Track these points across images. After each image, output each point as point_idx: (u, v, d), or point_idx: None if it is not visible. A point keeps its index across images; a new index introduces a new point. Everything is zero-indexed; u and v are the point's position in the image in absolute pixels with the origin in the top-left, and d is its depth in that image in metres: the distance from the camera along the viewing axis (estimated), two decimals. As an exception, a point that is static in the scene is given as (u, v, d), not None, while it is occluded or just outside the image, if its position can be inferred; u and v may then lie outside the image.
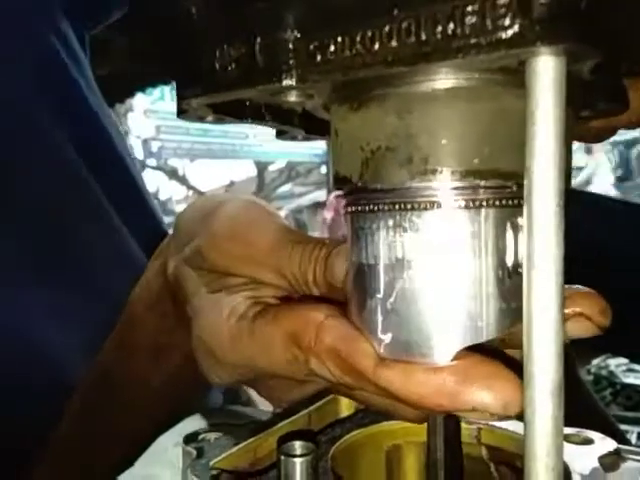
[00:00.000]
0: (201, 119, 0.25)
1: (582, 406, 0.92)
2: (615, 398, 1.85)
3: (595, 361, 1.96)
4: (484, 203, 0.21)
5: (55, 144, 0.53)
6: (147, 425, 0.32)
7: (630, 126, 0.29)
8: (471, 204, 0.21)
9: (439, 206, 0.21)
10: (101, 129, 0.57)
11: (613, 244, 0.87)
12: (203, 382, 0.30)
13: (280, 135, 0.30)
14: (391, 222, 0.22)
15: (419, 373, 0.21)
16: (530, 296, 0.18)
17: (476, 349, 0.22)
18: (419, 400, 0.21)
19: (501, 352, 0.23)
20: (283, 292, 0.29)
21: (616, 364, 1.94)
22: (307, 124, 0.28)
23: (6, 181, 0.48)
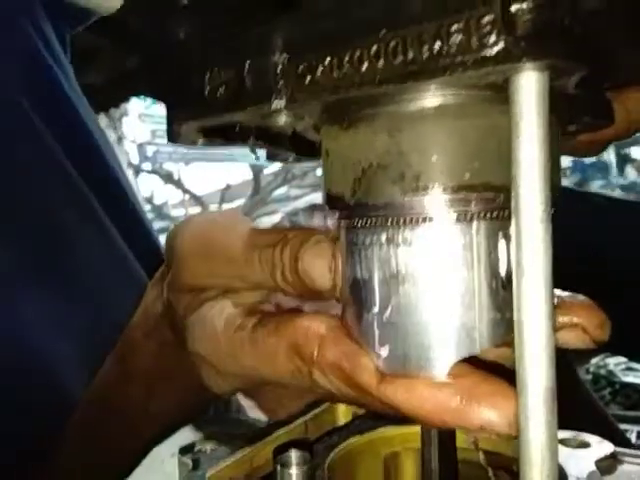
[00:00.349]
0: (192, 143, 0.26)
1: (581, 405, 0.92)
2: (614, 397, 1.86)
3: (594, 360, 1.96)
4: (475, 216, 0.22)
5: (49, 145, 0.52)
6: (144, 445, 0.32)
7: (617, 139, 0.30)
8: (463, 217, 0.22)
9: (431, 220, 0.22)
10: (87, 133, 0.57)
11: (609, 242, 0.87)
12: (201, 408, 0.30)
13: (271, 157, 0.30)
14: (384, 237, 0.23)
15: (423, 389, 0.22)
16: (520, 303, 0.18)
17: (471, 361, 0.22)
18: (424, 416, 0.22)
19: (493, 363, 0.23)
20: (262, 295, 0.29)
21: (615, 363, 1.94)
22: (297, 146, 0.29)
23: (7, 181, 0.48)
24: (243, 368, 0.27)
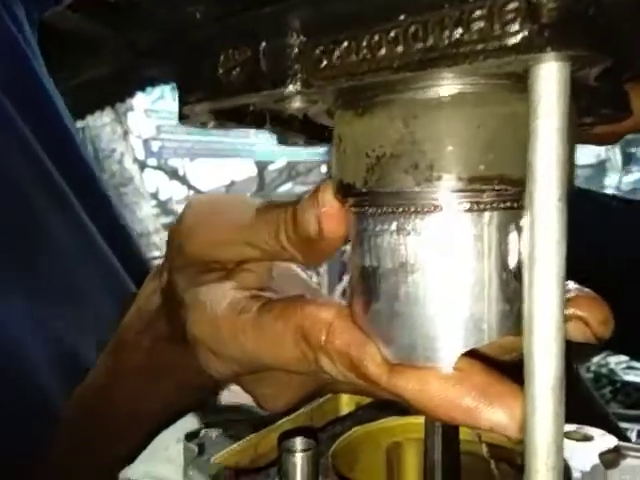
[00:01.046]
0: (203, 125, 0.25)
1: (581, 403, 0.92)
2: (615, 396, 1.86)
3: (595, 359, 1.96)
4: (487, 206, 0.22)
5: (27, 139, 0.51)
6: (129, 450, 0.31)
7: (636, 130, 0.29)
8: (475, 207, 0.22)
9: (442, 210, 0.22)
10: (64, 127, 0.56)
11: (612, 241, 0.87)
12: (188, 410, 0.30)
13: (282, 141, 0.30)
14: (394, 225, 0.22)
15: (435, 383, 0.21)
16: (531, 291, 0.18)
17: (473, 356, 0.22)
18: (432, 410, 0.21)
19: (495, 359, 0.23)
20: (266, 276, 0.30)
21: (616, 362, 1.94)
22: (308, 130, 0.28)
23: None
24: (245, 352, 0.27)
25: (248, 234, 0.27)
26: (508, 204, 0.22)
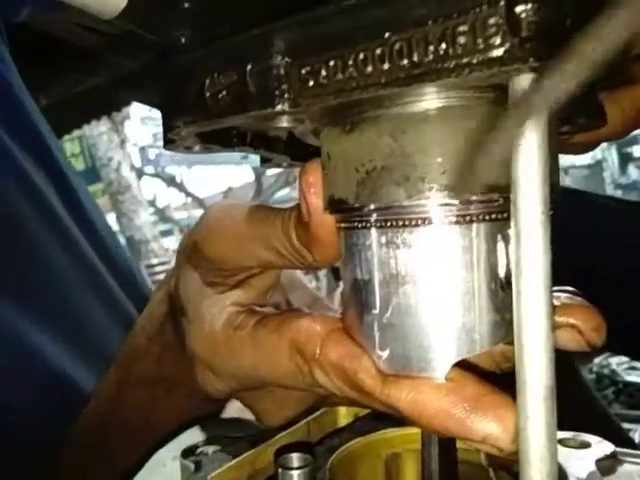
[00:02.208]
0: (188, 149, 0.26)
1: (583, 405, 0.92)
2: (617, 397, 1.85)
3: (597, 360, 1.96)
4: (474, 218, 0.22)
5: (24, 169, 0.50)
6: (142, 457, 0.31)
7: (611, 138, 0.30)
8: (462, 220, 0.22)
9: (430, 222, 0.22)
10: (37, 129, 0.55)
11: (611, 243, 0.87)
12: (202, 419, 0.30)
13: (265, 163, 0.30)
14: (384, 239, 0.23)
15: (428, 393, 0.21)
16: (519, 302, 0.19)
17: (466, 367, 0.22)
18: (426, 420, 0.21)
19: (488, 372, 0.23)
20: (267, 292, 0.29)
21: (618, 362, 1.94)
22: (292, 151, 0.29)
23: None
24: (241, 368, 0.27)
25: (263, 232, 0.27)
26: (494, 215, 0.22)
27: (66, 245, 0.51)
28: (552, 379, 0.19)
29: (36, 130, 0.55)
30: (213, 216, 0.29)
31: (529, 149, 0.18)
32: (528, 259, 0.18)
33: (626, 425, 1.46)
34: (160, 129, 0.25)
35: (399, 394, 0.22)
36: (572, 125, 0.26)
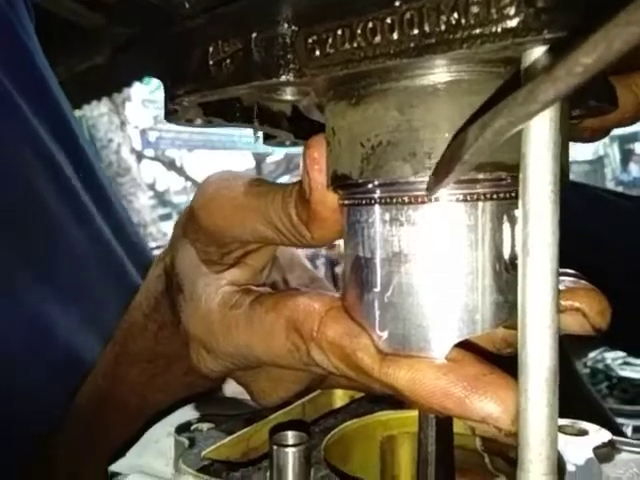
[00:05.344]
0: (189, 122, 0.25)
1: (577, 399, 0.92)
2: (611, 391, 1.86)
3: (592, 354, 1.97)
4: (481, 197, 0.21)
5: (33, 127, 0.50)
6: (139, 431, 0.31)
7: (624, 124, 0.29)
8: (468, 198, 0.21)
9: (436, 199, 0.21)
10: (63, 113, 0.55)
11: (607, 236, 0.87)
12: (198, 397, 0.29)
13: (267, 140, 0.29)
14: (387, 216, 0.22)
15: (427, 372, 0.21)
16: (525, 282, 0.18)
17: (466, 347, 0.22)
18: (424, 399, 0.21)
19: (487, 351, 0.23)
20: (263, 271, 0.29)
21: (613, 357, 1.95)
22: (295, 128, 0.28)
23: None
24: (237, 347, 0.26)
25: (263, 207, 0.26)
26: (501, 195, 0.21)
27: (82, 222, 0.51)
28: (556, 362, 0.18)
29: (57, 106, 0.54)
30: (212, 185, 0.29)
31: (541, 124, 0.17)
32: (535, 239, 0.18)
33: (619, 420, 1.47)
34: (161, 112, 0.25)
35: (398, 373, 0.21)
36: (582, 108, 0.25)
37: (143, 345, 0.35)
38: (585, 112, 0.26)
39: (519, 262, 0.18)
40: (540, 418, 0.18)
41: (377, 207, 0.22)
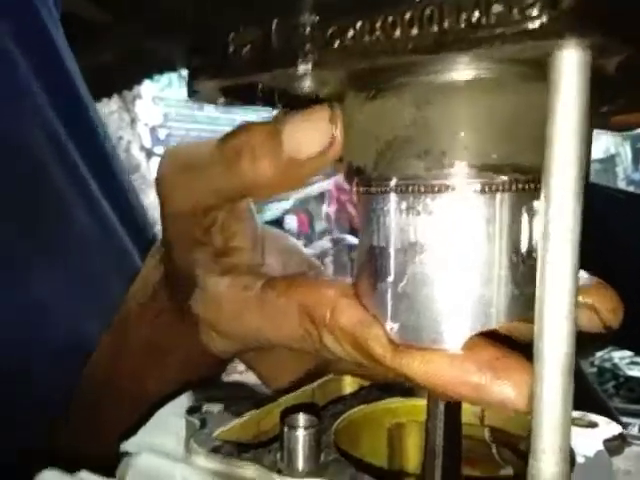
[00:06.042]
0: (211, 102, 0.25)
1: (583, 398, 0.92)
2: (618, 391, 1.86)
3: (599, 354, 1.96)
4: (500, 187, 0.21)
5: (43, 108, 0.49)
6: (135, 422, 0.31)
7: None
8: (486, 189, 0.21)
9: (453, 190, 0.21)
10: (78, 96, 0.54)
11: (618, 234, 0.86)
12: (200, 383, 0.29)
13: None
14: (404, 205, 0.22)
15: (441, 361, 0.21)
16: (544, 269, 0.18)
17: (486, 335, 0.22)
18: (440, 387, 0.21)
19: (508, 337, 0.23)
20: (256, 250, 0.29)
21: (620, 357, 1.94)
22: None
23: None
24: (248, 330, 0.27)
25: (226, 168, 0.25)
26: (520, 186, 0.21)
27: (89, 208, 0.51)
28: (572, 352, 0.18)
29: (73, 89, 0.54)
30: (172, 164, 0.28)
31: (566, 128, 0.17)
32: (557, 232, 0.18)
33: (625, 419, 1.46)
34: (171, 109, 0.25)
35: (411, 362, 0.22)
36: (612, 105, 0.25)
37: (139, 335, 0.35)
38: (614, 109, 0.26)
39: (539, 248, 0.18)
40: (555, 408, 0.19)
41: (393, 195, 0.22)
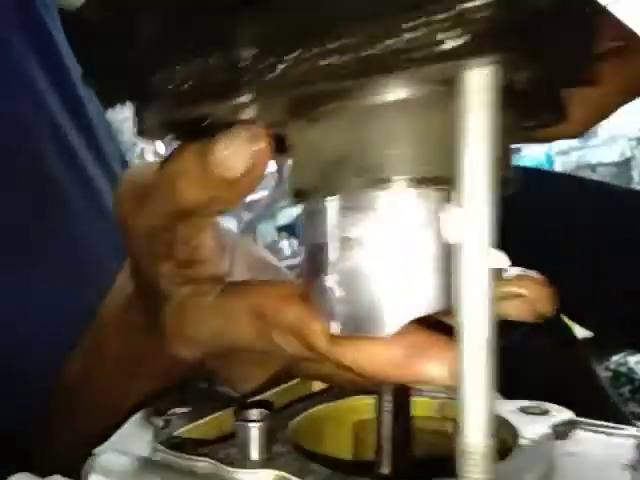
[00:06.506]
0: (160, 139, 0.26)
1: (597, 403, 0.91)
2: (634, 395, 1.82)
3: (614, 358, 1.92)
4: (429, 183, 0.23)
5: (45, 100, 0.50)
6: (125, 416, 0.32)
7: (569, 136, 0.30)
8: (417, 184, 0.23)
9: (386, 187, 0.23)
10: (73, 80, 0.54)
11: (627, 232, 0.86)
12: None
13: None
14: (339, 204, 0.24)
15: (370, 347, 0.23)
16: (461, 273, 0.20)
17: (422, 321, 0.23)
18: (371, 372, 0.23)
19: (441, 322, 0.24)
20: (220, 261, 0.29)
21: (635, 361, 1.90)
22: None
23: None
24: (208, 334, 0.28)
25: (166, 191, 0.26)
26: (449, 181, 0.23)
27: (89, 199, 0.51)
28: (492, 332, 0.20)
29: (70, 80, 0.53)
30: (130, 191, 0.28)
31: (475, 142, 0.19)
32: (470, 230, 0.19)
33: (642, 424, 1.43)
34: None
35: (344, 351, 0.23)
36: (534, 119, 0.27)
37: (113, 346, 0.36)
38: (537, 123, 0.27)
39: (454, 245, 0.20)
40: (477, 385, 0.20)
41: (329, 197, 0.24)
